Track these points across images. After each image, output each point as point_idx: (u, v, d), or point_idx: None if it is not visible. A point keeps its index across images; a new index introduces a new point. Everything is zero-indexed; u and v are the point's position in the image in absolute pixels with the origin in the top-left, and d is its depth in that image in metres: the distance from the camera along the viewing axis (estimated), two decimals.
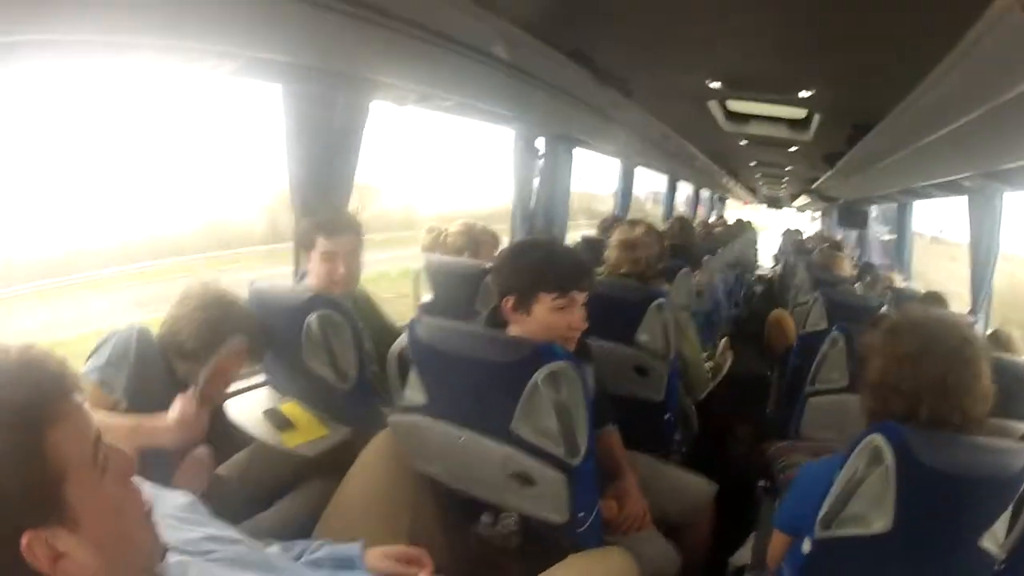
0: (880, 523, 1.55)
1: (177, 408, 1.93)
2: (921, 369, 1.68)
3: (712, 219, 13.03)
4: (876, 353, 1.81)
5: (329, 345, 2.33)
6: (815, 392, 2.91)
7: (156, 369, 2.11)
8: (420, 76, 2.83)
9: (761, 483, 3.17)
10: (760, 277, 11.48)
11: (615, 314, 2.79)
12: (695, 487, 2.76)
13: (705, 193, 14.39)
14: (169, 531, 1.17)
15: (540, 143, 5.10)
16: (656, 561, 2.22)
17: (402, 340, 2.17)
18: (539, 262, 2.13)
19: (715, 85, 3.85)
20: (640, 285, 3.16)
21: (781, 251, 12.57)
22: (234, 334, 2.15)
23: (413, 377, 2.08)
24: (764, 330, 6.06)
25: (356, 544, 1.59)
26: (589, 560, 1.92)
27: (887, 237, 8.58)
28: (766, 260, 13.98)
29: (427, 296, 3.71)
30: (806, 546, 1.68)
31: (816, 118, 4.57)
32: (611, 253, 3.30)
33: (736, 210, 18.06)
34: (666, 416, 2.99)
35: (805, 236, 13.60)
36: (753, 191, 15.60)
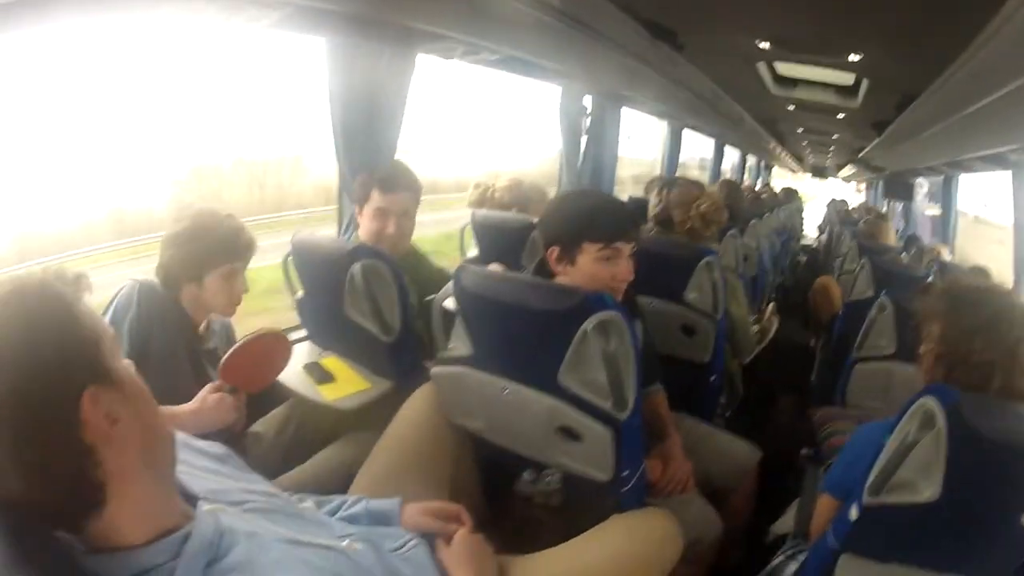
0: (928, 491, 1.49)
1: (199, 396, 1.90)
2: (993, 340, 1.68)
3: (758, 187, 12.83)
4: (939, 323, 1.80)
5: (373, 296, 2.28)
6: (862, 358, 2.87)
7: (165, 315, 2.07)
8: (469, 27, 2.75)
9: (804, 451, 3.12)
10: (805, 247, 11.33)
11: (664, 271, 2.74)
12: (740, 452, 2.71)
13: (751, 160, 14.24)
14: (200, 481, 1.17)
15: (587, 101, 5.06)
16: (697, 525, 2.17)
17: (447, 290, 2.12)
18: (585, 211, 2.09)
19: (764, 46, 3.76)
20: (689, 242, 3.09)
21: (826, 220, 12.39)
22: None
23: (458, 327, 2.05)
24: (808, 299, 6.01)
25: (394, 500, 1.58)
26: (632, 520, 1.88)
27: (931, 212, 8.44)
28: (811, 231, 13.80)
29: (473, 251, 3.66)
30: (853, 513, 1.63)
31: (864, 84, 4.47)
32: (670, 211, 3.23)
33: (781, 179, 17.86)
34: (712, 378, 2.94)
35: (850, 207, 13.40)
36: (799, 160, 15.36)
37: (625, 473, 1.83)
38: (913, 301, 2.67)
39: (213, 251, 2.10)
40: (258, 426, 2.42)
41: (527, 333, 1.87)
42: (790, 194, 12.52)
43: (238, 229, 2.16)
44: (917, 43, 3.01)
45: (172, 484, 1.07)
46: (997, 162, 4.56)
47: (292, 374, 2.43)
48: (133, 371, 1.02)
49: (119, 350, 1.01)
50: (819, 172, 17.63)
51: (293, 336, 2.79)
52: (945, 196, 7.01)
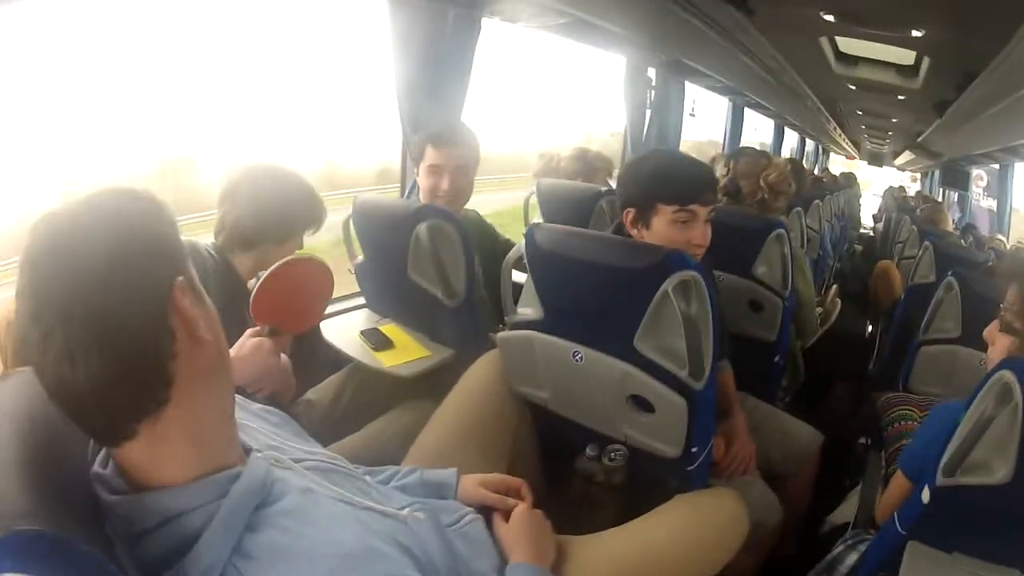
0: (1002, 471, 1.42)
1: (237, 344, 1.67)
2: None
3: (816, 171, 12.63)
4: (1015, 290, 1.77)
5: (438, 258, 2.23)
6: (926, 341, 2.81)
7: (215, 280, 1.91)
8: None
9: (862, 440, 3.06)
10: (861, 235, 11.13)
11: (732, 244, 2.62)
12: (802, 435, 2.62)
13: (810, 145, 14.03)
14: (257, 437, 1.12)
15: (651, 74, 5.01)
16: (758, 509, 2.09)
17: (519, 249, 2.02)
18: (660, 172, 2.03)
19: (829, 18, 3.74)
20: (758, 214, 3.00)
21: (883, 208, 12.16)
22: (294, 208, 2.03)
23: (528, 290, 1.99)
24: (866, 287, 5.94)
25: (450, 471, 1.52)
26: (698, 500, 1.82)
27: (987, 204, 8.28)
28: (866, 219, 13.57)
29: (537, 218, 3.59)
30: (925, 495, 1.56)
31: (925, 63, 4.43)
32: (738, 181, 3.14)
33: (838, 166, 17.63)
34: (776, 359, 2.86)
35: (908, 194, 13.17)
36: (856, 145, 15.16)
37: (694, 449, 1.78)
38: (978, 283, 2.61)
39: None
40: (311, 394, 2.37)
41: (603, 294, 1.79)
42: (849, 178, 12.32)
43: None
44: (979, 18, 2.99)
45: (231, 423, 1.02)
46: None
47: (349, 340, 2.42)
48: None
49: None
50: (875, 159, 17.45)
51: (351, 303, 2.76)
52: (1001, 186, 6.90)
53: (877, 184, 18.51)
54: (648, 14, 3.28)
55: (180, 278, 0.89)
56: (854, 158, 17.97)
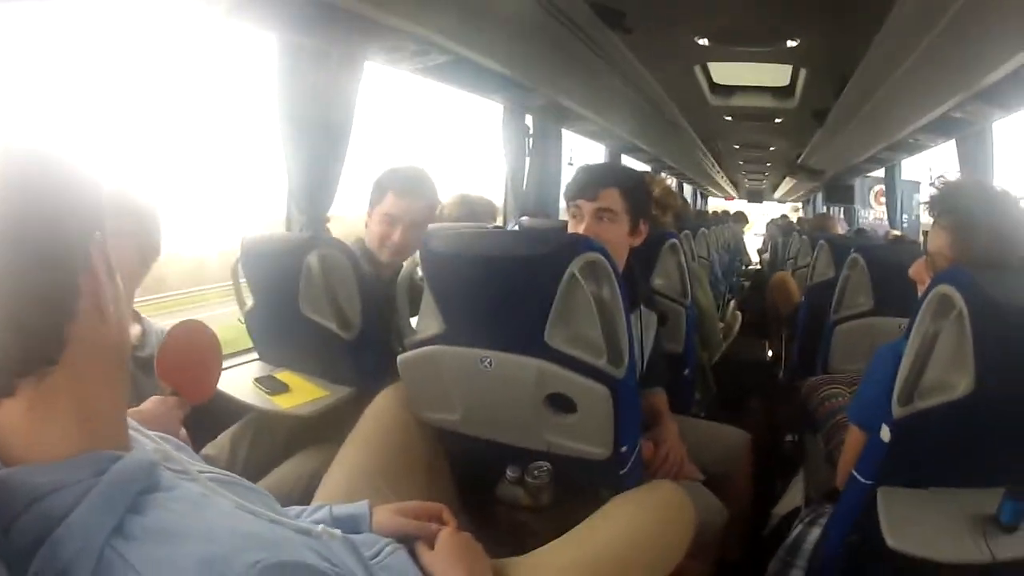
0: (962, 384, 1.42)
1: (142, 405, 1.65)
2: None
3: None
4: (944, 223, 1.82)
5: (331, 288, 2.14)
6: (840, 320, 2.87)
7: None
8: (417, 15, 2.65)
9: (789, 438, 3.07)
10: (748, 270, 11.40)
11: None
12: (729, 436, 2.63)
13: (688, 189, 14.42)
14: (150, 447, 0.98)
15: (529, 122, 5.06)
16: (703, 514, 2.01)
17: (413, 260, 1.93)
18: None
19: (703, 42, 3.86)
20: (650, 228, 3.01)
21: (768, 239, 12.51)
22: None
23: (426, 305, 1.88)
24: (762, 312, 6.09)
25: (361, 503, 1.40)
26: (639, 495, 1.75)
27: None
28: (752, 255, 13.94)
29: None
30: (885, 434, 1.55)
31: (801, 75, 4.62)
32: None
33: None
34: (685, 372, 2.86)
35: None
36: (735, 184, 15.69)
37: (623, 449, 1.71)
38: (883, 252, 2.66)
39: None
40: (209, 448, 2.24)
41: (507, 289, 1.71)
42: (739, 216, 12.75)
43: None
44: (847, 18, 3.13)
45: (122, 413, 0.89)
46: (940, 130, 4.57)
47: (242, 389, 2.29)
48: None
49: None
50: (755, 196, 18.09)
51: (242, 359, 2.63)
52: (889, 183, 7.05)
53: (759, 224, 19.13)
54: (525, 44, 3.29)
55: (98, 234, 0.80)
56: (733, 198, 18.54)
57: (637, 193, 2.25)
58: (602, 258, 1.60)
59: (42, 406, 0.77)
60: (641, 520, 1.65)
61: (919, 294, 1.84)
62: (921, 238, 6.03)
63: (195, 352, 1.74)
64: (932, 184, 1.91)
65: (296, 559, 0.81)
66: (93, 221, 0.81)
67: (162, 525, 0.76)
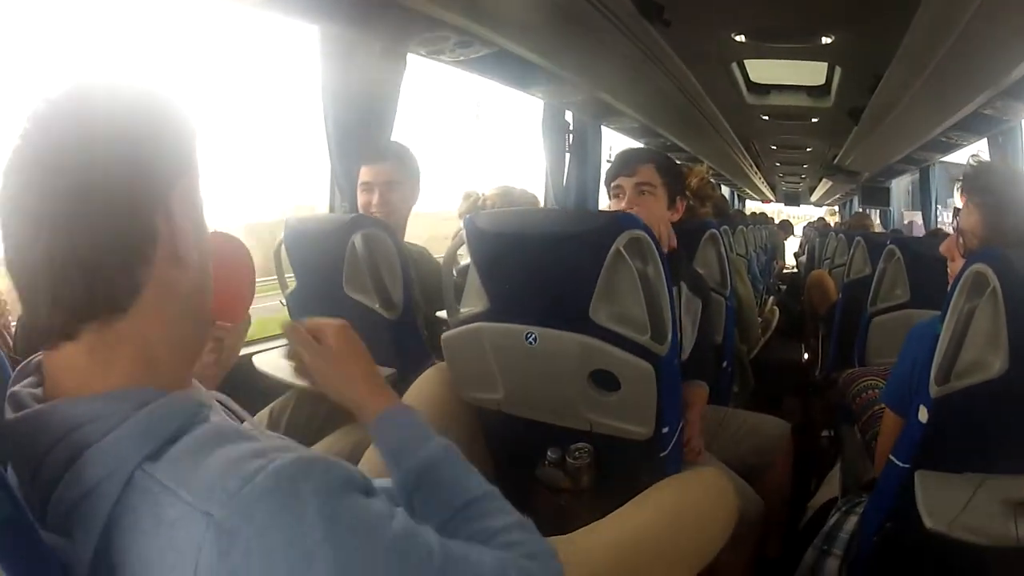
0: (998, 362, 1.42)
1: None
2: None
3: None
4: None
5: (375, 268, 2.15)
6: (877, 312, 2.87)
7: None
8: (463, 5, 2.68)
9: (825, 433, 3.05)
10: (784, 274, 11.32)
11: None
12: (769, 425, 2.60)
13: (726, 191, 14.36)
14: None
15: (569, 118, 5.10)
16: (740, 505, 2.03)
17: (460, 240, 1.95)
18: None
19: (740, 38, 3.91)
20: (690, 218, 3.01)
21: (805, 241, 12.43)
22: None
23: (471, 283, 1.91)
24: (799, 315, 6.06)
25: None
26: (682, 480, 1.75)
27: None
28: (788, 259, 13.84)
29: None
30: (922, 415, 1.54)
31: (837, 73, 4.66)
32: None
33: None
34: (724, 364, 2.85)
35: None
36: (773, 187, 15.58)
37: (665, 430, 1.71)
38: (919, 244, 2.65)
39: None
40: (245, 426, 2.23)
41: (552, 266, 1.73)
42: (783, 225, 12.70)
43: None
44: (879, 13, 3.15)
45: (188, 369, 0.88)
46: (972, 128, 4.54)
47: (282, 368, 2.29)
48: None
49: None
50: (791, 199, 17.96)
51: (283, 340, 2.65)
52: (923, 188, 7.01)
53: (796, 228, 19.07)
54: (567, 37, 3.31)
55: (184, 180, 0.81)
56: (770, 201, 18.41)
57: (672, 169, 2.36)
58: (646, 235, 1.61)
59: (104, 351, 0.77)
60: (683, 505, 1.66)
61: (949, 271, 1.87)
62: (951, 218, 6.01)
63: (224, 267, 1.68)
64: (967, 164, 1.91)
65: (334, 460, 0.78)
66: (180, 167, 0.81)
67: (198, 443, 0.74)
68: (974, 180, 1.83)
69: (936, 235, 3.02)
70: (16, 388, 0.80)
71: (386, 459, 1.08)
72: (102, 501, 0.68)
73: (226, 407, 0.98)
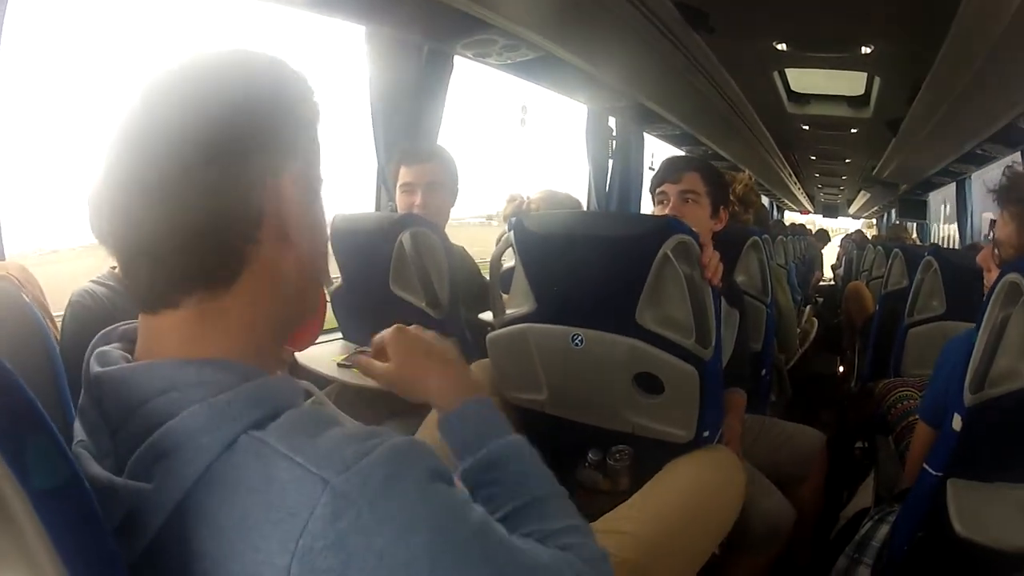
0: None
1: None
2: None
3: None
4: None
5: (423, 267, 2.17)
6: (914, 323, 2.87)
7: None
8: (511, 9, 2.70)
9: (859, 444, 3.04)
10: (822, 287, 11.23)
11: None
12: (805, 436, 2.60)
13: (765, 200, 14.29)
14: None
15: (612, 124, 5.12)
16: (771, 514, 2.06)
17: (507, 241, 1.95)
18: None
19: (782, 47, 3.93)
20: (733, 224, 3.02)
21: (843, 254, 12.31)
22: None
23: (518, 283, 1.92)
24: (836, 328, 6.02)
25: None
26: (697, 456, 1.75)
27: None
28: (826, 271, 13.73)
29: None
30: (956, 423, 1.56)
31: (876, 83, 4.67)
32: None
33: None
34: (763, 372, 2.85)
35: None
36: (811, 198, 15.50)
37: (706, 434, 1.73)
38: (957, 257, 2.65)
39: None
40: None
41: (600, 269, 1.74)
42: (820, 234, 12.62)
43: None
44: (917, 23, 3.18)
45: (282, 347, 0.90)
46: (1007, 141, 4.58)
47: (324, 364, 2.34)
48: None
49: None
50: (830, 211, 17.86)
51: (325, 337, 2.69)
52: (960, 201, 6.97)
53: (833, 243, 18.95)
54: (612, 42, 3.33)
55: (297, 165, 0.81)
56: (808, 212, 18.29)
57: (716, 178, 2.35)
58: (693, 241, 1.63)
59: (204, 322, 0.78)
60: (700, 481, 1.68)
61: (985, 281, 1.88)
62: (988, 228, 5.96)
63: None
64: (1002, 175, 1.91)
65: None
66: (296, 145, 0.81)
67: (306, 419, 0.75)
68: (1008, 191, 1.83)
69: (974, 248, 3.01)
70: (106, 348, 0.82)
71: (453, 452, 1.08)
72: (201, 454, 0.70)
73: (309, 392, 0.99)
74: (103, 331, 0.86)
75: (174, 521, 0.69)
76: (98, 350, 0.81)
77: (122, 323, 0.87)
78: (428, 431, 1.84)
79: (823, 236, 12.74)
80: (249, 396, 0.74)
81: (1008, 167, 2.00)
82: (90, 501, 0.65)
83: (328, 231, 0.90)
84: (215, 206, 0.75)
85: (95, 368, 0.78)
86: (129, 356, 0.81)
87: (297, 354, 2.34)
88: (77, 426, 0.79)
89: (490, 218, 10.65)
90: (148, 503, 0.69)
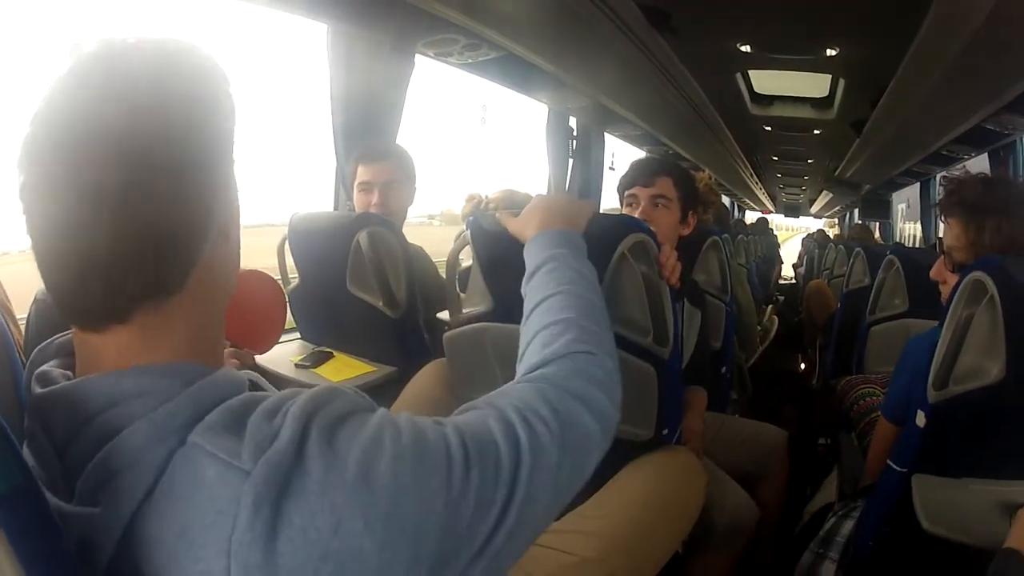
0: (996, 368, 1.42)
1: None
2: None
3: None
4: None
5: (380, 267, 2.16)
6: (876, 321, 2.89)
7: None
8: (473, 8, 2.69)
9: (821, 441, 3.06)
10: (782, 285, 11.31)
11: None
12: (767, 434, 2.62)
13: (727, 200, 14.39)
14: None
15: (573, 124, 5.17)
16: (733, 512, 2.06)
17: (464, 240, 1.93)
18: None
19: (745, 48, 3.95)
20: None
21: (804, 252, 12.41)
22: None
23: (475, 283, 1.90)
24: (797, 326, 6.07)
25: None
26: (656, 458, 1.73)
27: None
28: (787, 271, 13.82)
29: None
30: (920, 420, 1.56)
31: (840, 86, 4.70)
32: None
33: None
34: (723, 369, 2.87)
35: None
36: (773, 198, 15.60)
37: (665, 432, 1.72)
38: (919, 255, 2.68)
39: None
40: None
41: None
42: (765, 227, 12.65)
43: None
44: (883, 27, 3.21)
45: (223, 334, 0.87)
46: (973, 142, 4.60)
47: (284, 365, 2.33)
48: None
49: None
50: (791, 210, 18.01)
51: (284, 338, 2.66)
52: (924, 201, 7.04)
53: (794, 242, 19.07)
54: (574, 42, 3.32)
55: (233, 153, 0.78)
56: (770, 211, 18.44)
57: (688, 184, 2.36)
58: (650, 240, 1.62)
59: (154, 330, 0.74)
60: (661, 482, 1.67)
61: (942, 291, 1.88)
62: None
63: (259, 303, 1.77)
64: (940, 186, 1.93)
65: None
66: (231, 135, 0.77)
67: (232, 409, 0.72)
68: (949, 198, 1.85)
69: (936, 247, 3.07)
70: (46, 367, 0.78)
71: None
72: (144, 473, 0.67)
73: (258, 385, 0.95)
74: (39, 347, 0.83)
75: (125, 544, 0.67)
76: (38, 371, 0.78)
77: (57, 336, 0.83)
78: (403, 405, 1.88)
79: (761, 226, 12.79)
80: (190, 402, 0.71)
81: (943, 176, 2.02)
82: (46, 504, 0.63)
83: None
84: (168, 207, 0.71)
85: (36, 390, 0.75)
86: (69, 373, 0.78)
87: (257, 358, 2.33)
88: (26, 451, 0.75)
89: (432, 218, 10.61)
90: (98, 529, 0.67)
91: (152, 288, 0.73)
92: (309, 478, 0.67)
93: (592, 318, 1.16)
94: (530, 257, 1.33)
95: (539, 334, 1.13)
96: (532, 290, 1.25)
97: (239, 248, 0.85)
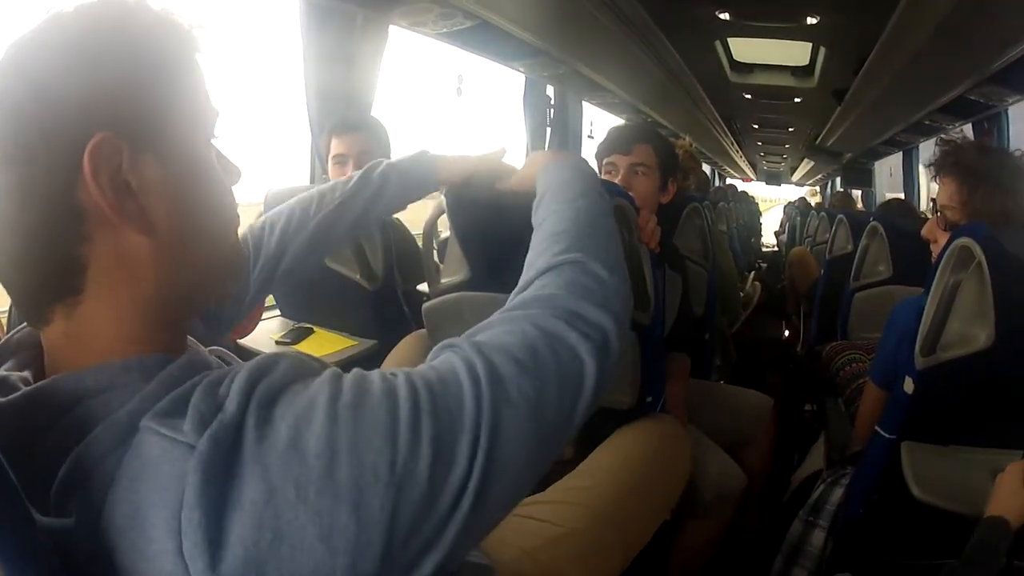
0: (984, 335, 1.43)
1: None
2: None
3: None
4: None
5: (356, 240, 2.13)
6: (860, 287, 2.87)
7: None
8: None
9: (808, 407, 3.06)
10: (764, 253, 11.31)
11: None
12: (752, 400, 2.62)
13: (707, 168, 14.38)
14: None
15: (550, 92, 5.11)
16: (720, 479, 2.04)
17: (439, 207, 1.87)
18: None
19: (724, 16, 3.91)
20: None
21: (785, 220, 12.42)
22: None
23: (452, 252, 1.87)
24: (780, 293, 6.09)
25: None
26: (640, 425, 1.73)
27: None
28: (768, 238, 13.82)
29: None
30: (908, 386, 1.55)
31: (821, 55, 4.66)
32: None
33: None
34: (706, 335, 2.86)
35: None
36: (753, 165, 15.60)
37: (649, 399, 1.72)
38: (902, 221, 2.67)
39: None
40: None
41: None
42: (747, 196, 12.63)
43: None
44: None
45: (184, 315, 0.80)
46: (956, 112, 4.57)
47: (264, 344, 2.31)
48: (218, 155, 0.80)
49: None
50: (773, 178, 18.01)
51: (264, 315, 2.64)
52: (907, 169, 7.03)
53: (776, 211, 19.06)
54: (550, 9, 3.29)
55: (100, 135, 0.67)
56: (750, 179, 18.45)
57: (668, 151, 2.33)
58: (629, 205, 1.59)
59: (79, 329, 0.71)
60: (645, 449, 1.66)
61: (933, 254, 1.87)
62: (929, 204, 6.05)
63: None
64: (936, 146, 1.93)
65: None
66: (101, 119, 0.68)
67: (184, 390, 0.68)
68: (944, 158, 1.85)
69: (915, 213, 3.06)
70: (3, 373, 0.74)
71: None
72: (106, 476, 0.64)
73: (225, 362, 0.89)
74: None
75: (98, 546, 0.64)
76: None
77: (13, 332, 0.80)
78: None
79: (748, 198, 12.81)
80: (152, 398, 0.67)
81: (940, 137, 2.01)
82: (21, 499, 0.60)
83: (231, 201, 0.82)
84: (26, 219, 0.68)
85: None
86: (28, 376, 0.75)
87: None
88: None
89: None
90: (73, 538, 0.64)
91: (47, 295, 0.71)
92: (247, 449, 0.64)
93: (588, 227, 1.09)
94: (539, 185, 1.27)
95: (529, 259, 1.04)
96: (536, 215, 1.21)
97: (170, 231, 0.74)
